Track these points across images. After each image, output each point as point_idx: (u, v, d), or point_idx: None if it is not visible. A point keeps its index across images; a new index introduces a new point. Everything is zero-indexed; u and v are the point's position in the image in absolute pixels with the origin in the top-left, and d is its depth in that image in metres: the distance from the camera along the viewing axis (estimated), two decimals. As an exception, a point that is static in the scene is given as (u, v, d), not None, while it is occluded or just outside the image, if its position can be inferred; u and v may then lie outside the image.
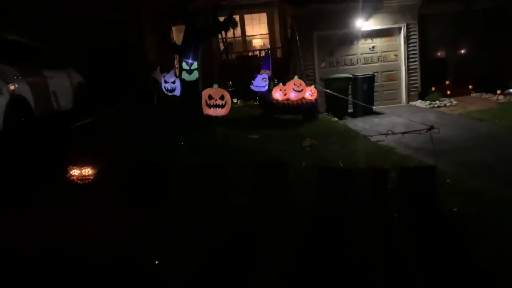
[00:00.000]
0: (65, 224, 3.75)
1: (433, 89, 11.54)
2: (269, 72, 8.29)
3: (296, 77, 8.69)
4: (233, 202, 4.02)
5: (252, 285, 2.89)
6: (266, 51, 10.23)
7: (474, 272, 3.00)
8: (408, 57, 11.26)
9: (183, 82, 7.94)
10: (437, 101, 10.89)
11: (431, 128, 4.33)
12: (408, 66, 11.30)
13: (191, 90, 7.92)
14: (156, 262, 2.97)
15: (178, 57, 8.53)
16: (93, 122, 4.96)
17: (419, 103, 11.22)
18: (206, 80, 8.68)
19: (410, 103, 11.41)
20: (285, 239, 3.47)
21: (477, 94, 11.62)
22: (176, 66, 9.54)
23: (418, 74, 11.38)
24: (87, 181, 4.01)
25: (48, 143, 5.80)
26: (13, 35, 6.89)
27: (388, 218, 3.81)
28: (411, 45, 11.21)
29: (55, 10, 10.31)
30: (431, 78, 11.63)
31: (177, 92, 8.20)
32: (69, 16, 10.42)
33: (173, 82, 8.11)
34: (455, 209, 3.94)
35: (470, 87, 11.78)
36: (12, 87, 6.02)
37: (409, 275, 2.98)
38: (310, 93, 8.43)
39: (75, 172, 4.05)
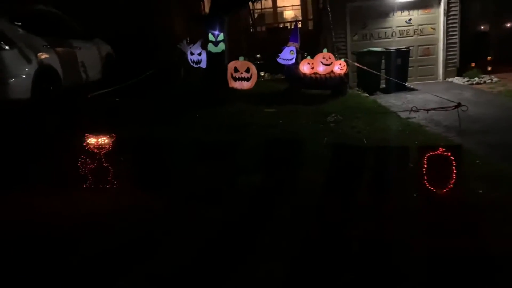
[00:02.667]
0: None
1: (472, 65, 10.85)
2: (297, 45, 8.03)
3: (325, 50, 8.40)
4: (242, 180, 3.96)
5: (251, 266, 2.84)
6: (295, 22, 9.91)
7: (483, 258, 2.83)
8: (447, 31, 10.62)
9: (209, 54, 7.86)
10: (476, 78, 10.28)
11: (458, 105, 4.05)
12: (447, 40, 10.67)
13: (217, 62, 7.83)
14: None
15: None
16: (113, 93, 4.92)
17: (456, 79, 10.65)
18: (234, 53, 8.54)
19: (447, 79, 10.85)
20: (292, 220, 3.40)
21: (522, 71, 10.87)
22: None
23: (457, 49, 10.74)
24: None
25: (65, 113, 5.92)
26: (41, 5, 6.98)
27: (404, 198, 3.65)
28: (451, 17, 10.55)
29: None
30: (472, 53, 10.93)
31: (203, 64, 8.14)
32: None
33: (199, 54, 8.06)
34: (480, 191, 3.73)
35: (514, 63, 11.04)
36: (40, 56, 6.16)
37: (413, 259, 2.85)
38: (339, 67, 8.14)
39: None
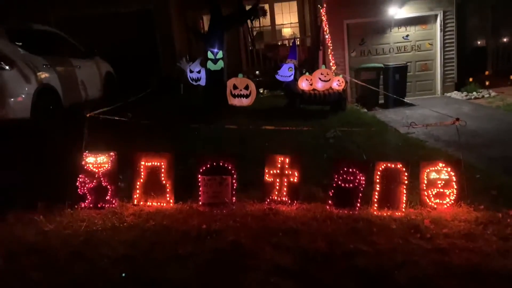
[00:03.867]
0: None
1: (470, 79, 10.93)
2: (295, 61, 8.10)
3: (323, 66, 8.47)
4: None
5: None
6: (293, 40, 10.01)
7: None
8: (444, 46, 10.73)
9: (208, 71, 7.91)
10: (474, 93, 10.34)
11: (457, 120, 4.05)
12: (444, 55, 10.76)
13: (216, 79, 7.88)
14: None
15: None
16: (112, 111, 4.95)
17: (454, 94, 10.70)
18: (233, 70, 8.60)
19: (445, 94, 10.90)
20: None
21: (519, 85, 10.93)
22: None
23: (455, 64, 10.83)
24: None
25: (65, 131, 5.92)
26: (40, 25, 7.05)
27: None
28: (447, 33, 10.66)
29: (84, 2, 10.53)
30: (469, 68, 11.03)
31: (203, 82, 8.19)
32: (98, 8, 10.58)
33: (198, 72, 8.12)
34: (481, 207, 3.70)
35: (512, 77, 11.12)
36: (40, 76, 6.19)
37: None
38: (337, 83, 8.18)
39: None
